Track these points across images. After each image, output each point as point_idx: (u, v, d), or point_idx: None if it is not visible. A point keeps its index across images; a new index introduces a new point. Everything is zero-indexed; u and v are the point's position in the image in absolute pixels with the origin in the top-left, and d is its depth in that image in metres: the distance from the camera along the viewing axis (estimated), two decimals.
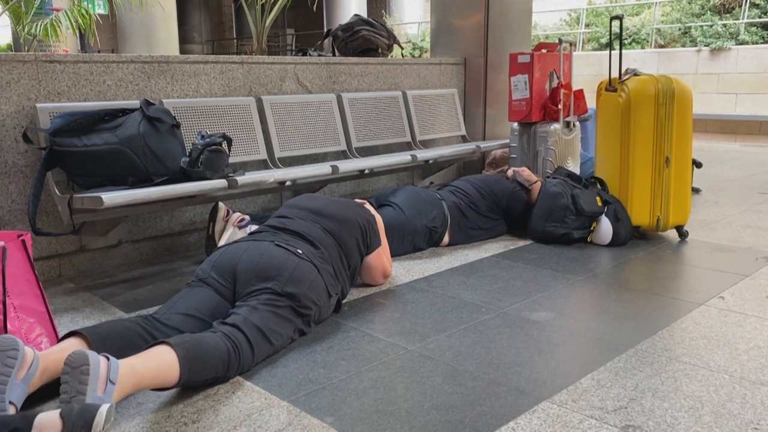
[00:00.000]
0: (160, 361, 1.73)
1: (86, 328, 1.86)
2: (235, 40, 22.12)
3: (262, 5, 6.47)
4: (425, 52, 13.82)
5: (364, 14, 16.05)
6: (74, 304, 2.65)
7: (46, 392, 1.72)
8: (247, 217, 3.10)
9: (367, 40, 4.70)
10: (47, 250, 2.93)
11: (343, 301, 2.53)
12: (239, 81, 3.53)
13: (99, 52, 12.95)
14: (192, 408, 1.77)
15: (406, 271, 2.97)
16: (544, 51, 4.02)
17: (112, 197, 2.47)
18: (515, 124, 4.06)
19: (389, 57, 4.75)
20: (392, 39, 4.96)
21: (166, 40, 8.16)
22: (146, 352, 1.75)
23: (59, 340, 1.82)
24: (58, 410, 1.41)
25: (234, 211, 3.12)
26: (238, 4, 22.22)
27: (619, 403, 1.77)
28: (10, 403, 1.58)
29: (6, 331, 1.77)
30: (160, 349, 1.76)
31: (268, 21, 6.45)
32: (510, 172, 3.65)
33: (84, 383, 1.54)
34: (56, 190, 2.75)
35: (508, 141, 4.19)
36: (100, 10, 11.35)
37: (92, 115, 2.75)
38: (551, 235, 3.38)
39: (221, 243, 3.00)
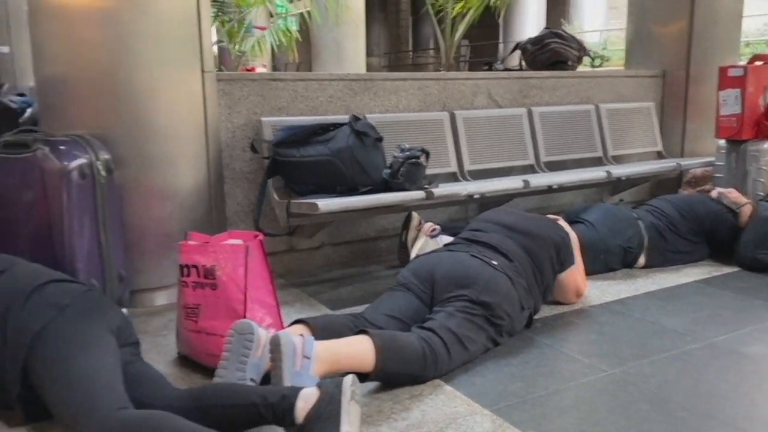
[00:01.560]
0: (358, 346, 1.91)
1: (309, 317, 2.08)
2: (410, 52, 22.80)
3: (453, 19, 6.65)
4: (606, 60, 13.25)
5: (542, 23, 15.75)
6: (285, 298, 2.93)
7: None
8: (438, 227, 3.22)
9: (556, 52, 4.65)
10: None
11: (535, 317, 2.54)
12: (434, 96, 3.67)
13: (286, 66, 14.04)
14: (400, 406, 1.89)
15: (599, 291, 2.90)
16: (759, 63, 3.71)
17: (326, 204, 2.71)
18: (722, 142, 3.78)
19: (578, 69, 4.66)
20: (582, 51, 4.86)
21: (354, 54, 8.68)
22: (346, 338, 1.94)
23: (287, 326, 2.06)
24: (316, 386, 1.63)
25: (426, 221, 3.26)
26: (415, 18, 22.95)
27: None
28: (251, 380, 1.81)
29: None
30: (359, 336, 1.95)
31: (457, 36, 6.61)
32: (714, 193, 3.41)
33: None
34: (275, 196, 3.07)
35: (712, 159, 3.91)
36: (292, 26, 12.33)
37: (308, 128, 3.03)
38: (762, 263, 3.11)
39: (413, 251, 3.15)
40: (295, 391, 1.60)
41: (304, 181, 3.02)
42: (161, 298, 2.87)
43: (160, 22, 2.70)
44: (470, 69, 14.77)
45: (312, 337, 1.83)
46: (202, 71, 2.85)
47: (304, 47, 10.47)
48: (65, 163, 2.40)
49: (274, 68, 13.79)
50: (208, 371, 2.10)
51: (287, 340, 1.75)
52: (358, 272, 3.36)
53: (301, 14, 8.95)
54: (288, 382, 1.71)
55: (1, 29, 6.88)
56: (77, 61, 2.66)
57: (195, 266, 2.08)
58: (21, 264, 1.93)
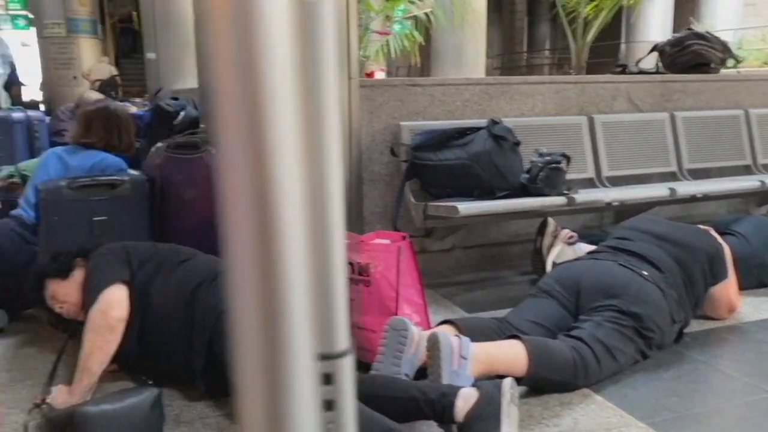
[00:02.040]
0: (511, 350, 1.93)
1: (457, 318, 2.13)
2: (524, 53, 22.41)
3: (585, 20, 6.49)
4: (741, 61, 12.37)
5: (669, 22, 14.93)
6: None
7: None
8: (576, 235, 3.16)
9: (698, 54, 4.42)
10: None
11: (685, 331, 2.44)
12: (572, 100, 3.61)
13: (397, 69, 14.19)
14: (551, 412, 1.89)
15: (752, 308, 2.74)
16: None
17: (466, 207, 2.75)
18: None
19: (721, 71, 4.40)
20: (727, 52, 4.58)
21: (474, 57, 8.65)
22: (499, 342, 1.97)
23: (436, 326, 2.11)
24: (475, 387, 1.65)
25: (563, 227, 3.21)
26: (531, 18, 22.52)
27: None
28: (405, 374, 1.88)
29: None
30: (512, 341, 1.97)
31: (589, 37, 6.45)
32: None
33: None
34: (412, 198, 3.14)
35: None
36: (415, 30, 12.43)
37: (446, 132, 3.08)
38: None
39: (550, 258, 3.10)
40: (454, 389, 1.65)
41: (441, 185, 3.08)
42: None
43: None
44: (589, 71, 14.28)
45: (468, 338, 1.87)
46: (349, 78, 2.98)
47: (421, 51, 10.56)
48: None
49: (388, 73, 14.03)
50: (359, 364, 2.20)
51: (445, 340, 1.80)
52: (489, 276, 3.36)
53: (418, 18, 8.99)
54: (446, 380, 1.76)
55: (150, 37, 7.52)
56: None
57: (351, 263, 2.18)
58: (202, 254, 2.11)
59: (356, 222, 3.13)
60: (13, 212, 2.80)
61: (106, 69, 12.55)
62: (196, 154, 2.63)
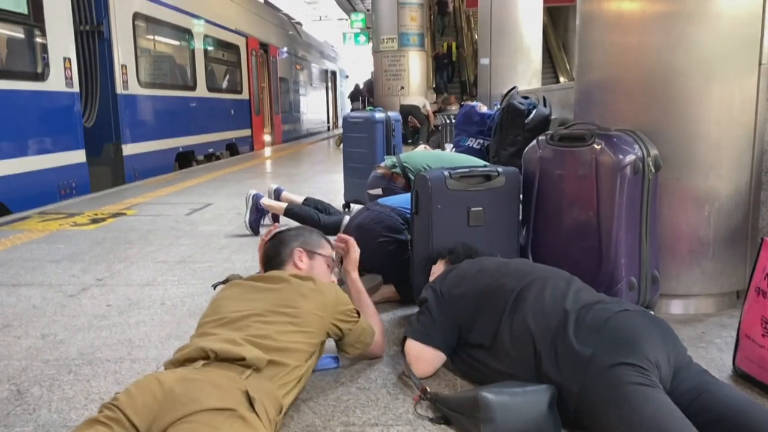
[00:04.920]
0: None
1: None
2: None
3: None
4: None
5: None
6: None
7: None
8: None
9: None
10: None
11: None
12: None
13: None
14: None
15: None
16: None
17: None
18: None
19: None
20: None
21: None
22: None
23: None
24: None
25: None
26: None
27: None
28: None
29: None
30: None
31: None
32: None
33: None
34: None
35: None
36: None
37: None
38: None
39: None
40: None
41: None
42: (677, 307, 2.70)
43: (719, 19, 2.50)
44: None
45: None
46: (759, 63, 2.56)
47: None
48: (620, 157, 2.41)
49: None
50: (756, 383, 1.84)
51: None
52: None
53: None
54: None
55: (485, 43, 7.75)
56: (625, 61, 2.67)
57: None
58: (575, 283, 1.94)
59: (752, 232, 2.70)
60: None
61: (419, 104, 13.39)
62: (582, 147, 2.50)
